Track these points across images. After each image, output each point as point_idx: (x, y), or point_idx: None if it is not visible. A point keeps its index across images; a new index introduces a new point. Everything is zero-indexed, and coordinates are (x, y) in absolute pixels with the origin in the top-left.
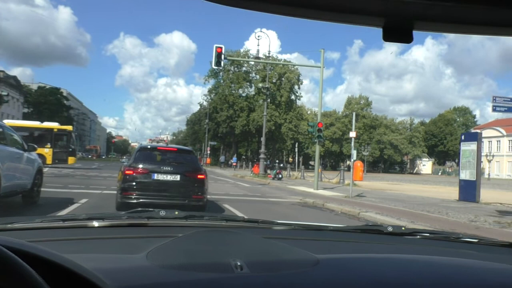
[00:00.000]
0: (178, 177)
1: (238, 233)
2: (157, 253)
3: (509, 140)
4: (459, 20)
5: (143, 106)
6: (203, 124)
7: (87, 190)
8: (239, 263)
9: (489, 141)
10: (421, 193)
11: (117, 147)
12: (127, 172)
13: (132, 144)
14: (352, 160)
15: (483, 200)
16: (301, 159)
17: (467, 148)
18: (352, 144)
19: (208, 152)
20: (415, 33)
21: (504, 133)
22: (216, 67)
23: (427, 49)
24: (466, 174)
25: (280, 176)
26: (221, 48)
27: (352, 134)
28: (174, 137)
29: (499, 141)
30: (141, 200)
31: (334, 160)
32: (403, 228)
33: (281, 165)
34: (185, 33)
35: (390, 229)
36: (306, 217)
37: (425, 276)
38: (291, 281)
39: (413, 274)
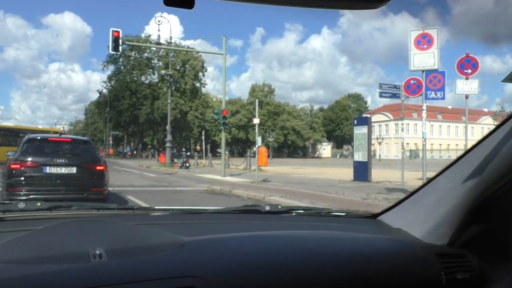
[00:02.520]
0: (74, 170)
1: (108, 221)
2: (4, 248)
3: (395, 124)
4: None
5: (33, 93)
6: (104, 113)
7: None
8: (98, 252)
9: (379, 125)
10: (321, 176)
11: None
12: (12, 166)
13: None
14: (257, 146)
15: (374, 179)
16: (208, 146)
17: (359, 131)
18: (257, 130)
19: (111, 142)
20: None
21: (391, 117)
22: (114, 52)
23: (323, 38)
24: (359, 156)
25: (187, 164)
26: (118, 32)
27: (256, 120)
28: (72, 128)
29: (387, 124)
30: (31, 197)
31: (241, 147)
32: (279, 207)
33: (188, 153)
34: (78, 15)
35: (267, 208)
36: (213, 205)
37: (288, 249)
38: (150, 265)
39: (276, 248)
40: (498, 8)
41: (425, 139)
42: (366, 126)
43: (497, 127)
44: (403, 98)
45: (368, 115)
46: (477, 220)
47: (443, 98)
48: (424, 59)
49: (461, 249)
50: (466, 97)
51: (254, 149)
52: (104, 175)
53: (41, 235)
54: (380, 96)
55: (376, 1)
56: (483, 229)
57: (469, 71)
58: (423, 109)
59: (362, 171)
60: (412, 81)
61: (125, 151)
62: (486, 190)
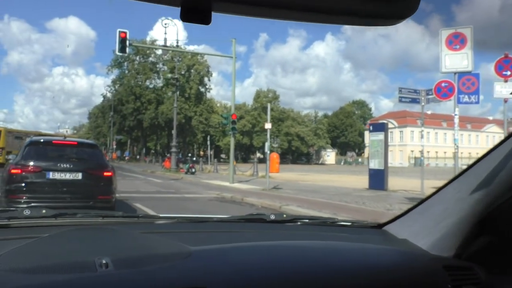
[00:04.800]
0: (79, 175)
1: (113, 229)
2: (9, 257)
3: (400, 131)
4: (256, 2)
5: (36, 97)
6: (108, 117)
7: None
8: (104, 261)
9: None
10: (332, 183)
11: None
12: (13, 171)
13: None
14: (267, 152)
15: (390, 188)
16: (212, 152)
17: (375, 138)
18: (268, 135)
19: (114, 147)
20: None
21: (396, 124)
22: (121, 54)
23: (327, 44)
24: (375, 163)
25: (193, 170)
26: (125, 33)
27: (268, 125)
28: (75, 132)
29: (392, 132)
30: (33, 204)
31: (245, 152)
32: (284, 216)
33: (194, 158)
34: (82, 19)
35: (272, 217)
36: (225, 214)
37: (293, 259)
38: (157, 275)
39: (281, 259)
40: (503, 15)
41: (457, 146)
42: (383, 133)
43: (506, 138)
44: (423, 103)
45: (384, 121)
46: (484, 232)
47: (477, 102)
48: (456, 60)
49: (468, 261)
50: (505, 101)
51: (259, 154)
52: (112, 181)
53: (46, 243)
54: (400, 100)
55: (394, 17)
56: (490, 241)
57: (508, 72)
58: (455, 114)
59: (378, 179)
60: (443, 84)
61: (124, 155)
62: (494, 201)
